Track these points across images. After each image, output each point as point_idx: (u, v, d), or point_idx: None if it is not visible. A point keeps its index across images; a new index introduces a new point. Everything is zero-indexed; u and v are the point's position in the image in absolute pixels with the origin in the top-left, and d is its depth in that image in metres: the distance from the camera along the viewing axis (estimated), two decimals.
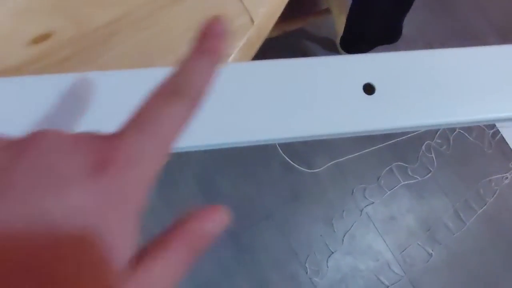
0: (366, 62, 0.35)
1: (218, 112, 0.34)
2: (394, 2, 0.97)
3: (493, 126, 1.42)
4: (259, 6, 0.37)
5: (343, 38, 1.10)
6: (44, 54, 0.35)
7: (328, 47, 1.40)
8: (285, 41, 1.38)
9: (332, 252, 1.28)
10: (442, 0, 1.51)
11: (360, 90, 0.36)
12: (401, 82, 0.36)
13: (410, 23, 1.45)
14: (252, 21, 0.37)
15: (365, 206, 1.33)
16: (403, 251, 1.31)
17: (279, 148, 1.32)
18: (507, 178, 1.39)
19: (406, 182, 1.35)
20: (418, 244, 1.32)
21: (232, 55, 0.36)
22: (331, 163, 1.33)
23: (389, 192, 1.34)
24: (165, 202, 1.24)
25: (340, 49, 1.19)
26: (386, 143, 1.35)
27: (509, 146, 1.41)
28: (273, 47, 1.37)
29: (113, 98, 0.32)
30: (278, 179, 1.32)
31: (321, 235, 1.29)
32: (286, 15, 1.24)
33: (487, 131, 1.41)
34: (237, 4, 0.37)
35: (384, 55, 0.36)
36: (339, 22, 1.18)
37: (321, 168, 1.33)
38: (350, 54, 1.17)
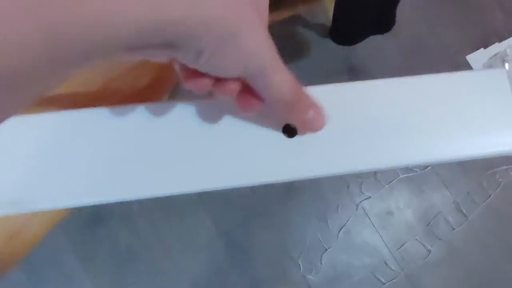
0: None
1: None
2: None
3: None
4: None
5: (331, 28, 1.04)
6: None
7: (325, 34, 1.33)
8: (280, 28, 1.32)
9: (327, 249, 1.25)
10: None
11: (279, 132, 0.31)
12: (333, 120, 0.31)
13: (411, 5, 1.37)
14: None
15: (361, 201, 1.28)
16: (400, 247, 1.27)
17: None
18: None
19: (405, 175, 1.30)
20: (416, 239, 1.27)
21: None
22: None
23: (386, 186, 1.29)
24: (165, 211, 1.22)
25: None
26: None
27: None
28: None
29: None
30: None
31: (315, 231, 1.26)
32: (273, 5, 1.18)
33: None
34: None
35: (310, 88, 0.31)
36: (332, 9, 1.12)
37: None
38: (341, 45, 1.11)
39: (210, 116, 0.31)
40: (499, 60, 0.34)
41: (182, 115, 0.31)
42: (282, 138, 0.31)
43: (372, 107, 0.32)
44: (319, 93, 0.29)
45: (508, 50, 0.34)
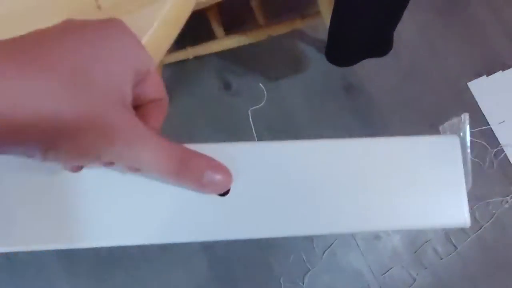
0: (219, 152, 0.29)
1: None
2: (379, 10, 0.88)
3: (497, 144, 1.31)
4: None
5: (326, 49, 1.02)
6: None
7: (323, 51, 1.31)
8: (278, 43, 1.30)
9: (310, 269, 1.23)
10: (453, 4, 1.38)
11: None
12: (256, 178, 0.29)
13: (412, 25, 1.34)
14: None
15: None
16: (385, 273, 1.24)
17: None
18: (507, 202, 1.29)
19: None
20: (402, 266, 1.25)
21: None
22: None
23: None
24: None
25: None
26: None
27: None
28: (265, 49, 1.30)
29: None
30: None
31: (299, 251, 1.24)
32: (270, 18, 1.16)
33: (490, 150, 1.31)
34: None
35: (240, 145, 0.30)
36: None
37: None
38: (336, 66, 1.09)
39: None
40: (455, 130, 0.32)
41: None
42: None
43: (310, 168, 0.30)
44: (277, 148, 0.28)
45: (463, 118, 0.32)
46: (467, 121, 0.30)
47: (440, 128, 0.33)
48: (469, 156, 0.31)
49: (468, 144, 0.30)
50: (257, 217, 0.29)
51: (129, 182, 0.29)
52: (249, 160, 0.29)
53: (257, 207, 0.29)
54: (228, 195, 0.29)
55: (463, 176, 0.31)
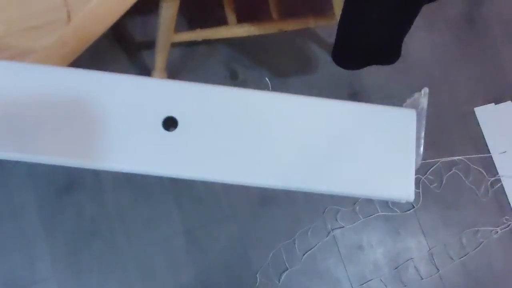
0: (169, 91, 0.29)
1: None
2: (388, 16, 0.88)
3: (495, 173, 1.30)
4: (83, 4, 0.31)
5: (333, 50, 1.02)
6: None
7: None
8: (288, 40, 1.31)
9: (288, 268, 1.22)
10: (472, 26, 1.37)
11: (159, 125, 0.30)
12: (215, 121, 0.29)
13: (427, 44, 1.33)
14: (69, 18, 0.31)
15: (333, 229, 1.25)
16: (363, 284, 1.23)
17: None
18: (497, 232, 1.27)
19: (384, 213, 1.26)
20: (381, 280, 1.23)
21: (36, 53, 0.31)
22: None
23: (363, 220, 1.26)
24: (135, 195, 1.22)
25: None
26: None
27: (507, 199, 1.28)
28: (275, 44, 1.30)
29: None
30: None
31: (280, 249, 1.23)
32: (284, 13, 1.16)
33: (486, 178, 1.29)
34: None
35: (196, 86, 0.30)
36: None
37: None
38: (342, 67, 1.09)
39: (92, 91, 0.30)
40: (415, 105, 0.32)
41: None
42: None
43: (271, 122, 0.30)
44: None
45: (423, 92, 0.31)
46: (426, 96, 0.30)
47: (403, 105, 0.33)
48: (423, 130, 0.30)
49: (424, 117, 0.30)
50: (199, 158, 0.29)
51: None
52: (225, 104, 0.29)
53: (201, 148, 0.29)
54: (176, 130, 0.29)
55: (414, 150, 0.30)
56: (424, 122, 0.30)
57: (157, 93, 0.29)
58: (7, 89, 0.28)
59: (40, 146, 0.28)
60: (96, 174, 1.22)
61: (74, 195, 1.19)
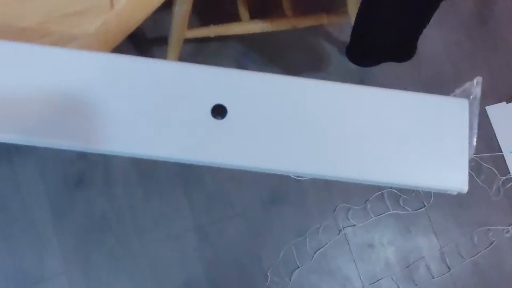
0: (218, 78, 0.28)
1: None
2: (404, 14, 0.87)
3: (507, 172, 1.29)
4: None
5: (348, 47, 1.01)
6: None
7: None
8: (301, 37, 1.30)
9: (299, 267, 1.21)
10: (483, 25, 1.37)
11: (208, 113, 0.29)
12: (262, 109, 0.28)
13: (439, 42, 1.33)
14: (112, 4, 0.30)
15: (345, 227, 1.24)
16: (374, 283, 1.22)
17: None
18: (508, 231, 1.26)
19: (395, 212, 1.25)
20: (392, 279, 1.23)
21: (79, 39, 0.30)
22: None
23: (374, 218, 1.25)
24: (146, 191, 1.21)
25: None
26: None
27: None
28: (287, 41, 1.30)
29: None
30: (260, 179, 1.25)
31: (291, 246, 1.22)
32: (297, 10, 1.16)
33: (498, 177, 1.29)
34: None
35: (245, 73, 0.29)
36: None
37: (308, 177, 1.25)
38: (356, 64, 1.08)
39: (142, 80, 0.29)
40: (466, 95, 0.31)
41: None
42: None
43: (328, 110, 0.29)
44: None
45: (475, 82, 0.31)
46: (480, 85, 0.29)
47: (451, 95, 0.32)
48: (477, 120, 0.30)
49: (478, 106, 0.29)
50: (249, 146, 0.29)
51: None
52: (256, 91, 0.28)
53: (251, 136, 0.29)
54: (225, 118, 0.29)
55: (467, 140, 0.29)
56: (477, 112, 0.29)
57: (206, 80, 0.29)
58: (59, 76, 0.27)
59: (95, 135, 0.28)
60: (107, 169, 1.21)
61: (85, 191, 1.19)
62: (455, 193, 0.29)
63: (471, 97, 0.30)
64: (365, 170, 0.28)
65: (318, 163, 0.28)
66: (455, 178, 0.29)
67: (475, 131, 0.30)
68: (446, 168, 0.29)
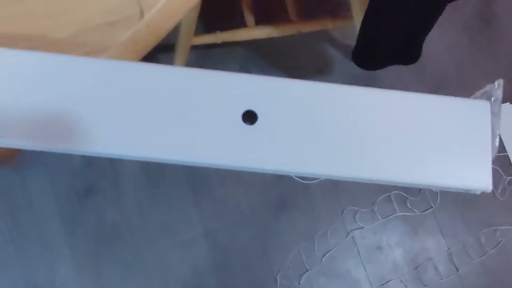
0: (251, 84, 0.29)
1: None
2: (411, 16, 0.88)
3: None
4: (155, 0, 0.32)
5: (354, 51, 1.02)
6: None
7: (350, 56, 1.32)
8: (305, 42, 1.31)
9: (308, 270, 1.22)
10: (486, 25, 1.38)
11: (239, 118, 0.30)
12: (292, 114, 0.29)
13: (442, 43, 1.34)
14: (142, 14, 0.31)
15: (352, 230, 1.25)
16: (383, 285, 1.23)
17: None
18: None
19: (403, 214, 1.26)
20: (401, 281, 1.23)
21: (111, 50, 0.31)
22: None
23: (381, 220, 1.26)
24: (155, 199, 1.22)
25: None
26: None
27: None
28: (291, 46, 1.31)
29: None
30: (268, 183, 1.26)
31: (300, 250, 1.23)
32: (302, 15, 1.17)
33: (504, 177, 1.29)
34: None
35: (275, 79, 0.30)
36: None
37: (315, 181, 1.26)
38: (361, 68, 1.09)
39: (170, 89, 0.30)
40: (486, 97, 0.32)
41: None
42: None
43: (348, 114, 0.30)
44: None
45: (496, 84, 0.32)
46: (501, 87, 0.30)
47: (472, 97, 0.33)
48: (499, 122, 0.30)
49: (500, 108, 0.30)
50: (280, 151, 0.29)
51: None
52: (284, 96, 0.29)
53: (282, 141, 0.30)
54: (256, 124, 0.29)
55: (490, 141, 0.30)
56: (499, 114, 0.30)
57: (236, 86, 0.30)
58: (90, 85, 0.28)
59: (130, 140, 0.28)
60: (116, 177, 1.21)
61: (95, 200, 1.19)
62: (479, 192, 0.30)
63: (492, 99, 0.31)
64: (394, 172, 0.29)
65: (346, 166, 0.29)
66: (479, 178, 0.30)
67: (498, 132, 0.31)
68: (471, 168, 0.30)
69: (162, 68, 0.30)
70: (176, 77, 0.30)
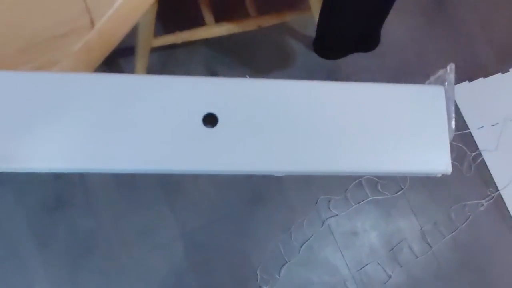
0: (209, 87, 0.29)
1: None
2: (368, 3, 0.89)
3: (476, 148, 1.34)
4: (105, 8, 0.31)
5: (315, 42, 1.03)
6: None
7: (311, 47, 1.33)
8: (266, 36, 1.31)
9: (287, 262, 1.23)
10: (441, 8, 1.42)
11: (200, 122, 0.30)
12: (252, 115, 0.29)
13: (400, 27, 1.37)
14: (93, 23, 0.31)
15: (327, 218, 1.27)
16: (361, 269, 1.25)
17: None
18: (483, 205, 1.31)
19: (374, 198, 1.28)
20: (378, 263, 1.26)
21: (63, 62, 0.30)
22: None
23: (355, 206, 1.28)
24: (128, 205, 1.20)
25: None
26: None
27: (490, 172, 1.33)
28: (253, 41, 1.31)
29: None
30: (240, 179, 1.26)
31: (277, 243, 1.24)
32: (261, 10, 1.17)
33: (468, 153, 1.34)
34: (79, 3, 0.31)
35: (232, 81, 0.30)
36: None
37: (298, 174, 1.26)
38: (323, 58, 1.10)
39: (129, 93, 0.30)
40: (440, 82, 0.33)
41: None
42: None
43: (303, 108, 0.30)
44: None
45: (448, 69, 0.33)
46: (453, 71, 0.31)
47: (426, 83, 0.34)
48: (453, 105, 0.31)
49: (453, 92, 0.31)
50: (243, 152, 0.30)
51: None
52: (244, 96, 0.29)
53: (243, 142, 0.30)
54: (217, 126, 0.29)
55: (446, 124, 0.31)
56: (453, 97, 0.31)
57: (195, 90, 0.30)
58: (39, 100, 0.28)
59: (109, 155, 0.28)
60: (85, 187, 1.19)
61: (66, 212, 1.17)
62: (439, 175, 0.31)
63: (445, 83, 0.32)
64: (354, 163, 0.30)
65: (308, 161, 0.29)
66: (439, 161, 0.31)
67: (453, 115, 0.32)
68: (430, 152, 0.31)
69: (119, 78, 0.30)
70: (133, 85, 0.29)
